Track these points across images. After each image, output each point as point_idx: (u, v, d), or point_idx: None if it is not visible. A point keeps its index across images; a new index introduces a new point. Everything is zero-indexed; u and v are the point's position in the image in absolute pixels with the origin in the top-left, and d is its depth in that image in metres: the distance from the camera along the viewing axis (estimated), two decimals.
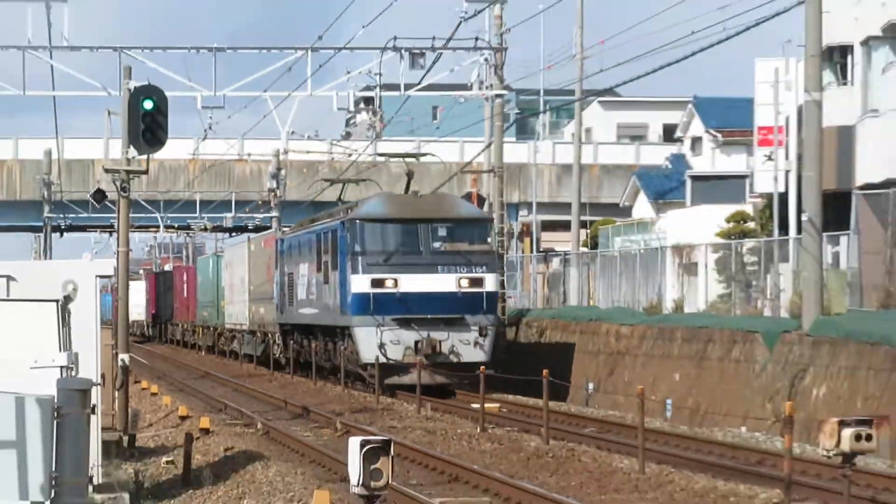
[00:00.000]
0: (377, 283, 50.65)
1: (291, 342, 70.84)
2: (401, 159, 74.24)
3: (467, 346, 50.37)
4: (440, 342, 50.42)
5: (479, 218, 55.23)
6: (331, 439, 40.07)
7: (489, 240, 52.93)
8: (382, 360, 50.62)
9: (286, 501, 29.72)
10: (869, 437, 25.31)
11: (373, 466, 19.39)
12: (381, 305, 51.27)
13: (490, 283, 50.67)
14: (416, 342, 50.01)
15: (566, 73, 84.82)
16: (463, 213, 55.57)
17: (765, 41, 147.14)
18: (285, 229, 77.68)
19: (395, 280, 51.22)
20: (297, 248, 68.67)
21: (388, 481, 19.66)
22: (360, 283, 51.22)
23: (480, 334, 51.11)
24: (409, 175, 56.92)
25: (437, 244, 51.54)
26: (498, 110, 64.90)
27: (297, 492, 30.70)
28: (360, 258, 51.95)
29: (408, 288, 50.75)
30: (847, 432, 24.76)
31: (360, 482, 19.44)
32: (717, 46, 49.40)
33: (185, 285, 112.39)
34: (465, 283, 50.52)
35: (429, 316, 50.70)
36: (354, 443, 19.70)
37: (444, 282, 50.51)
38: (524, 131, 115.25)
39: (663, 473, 32.78)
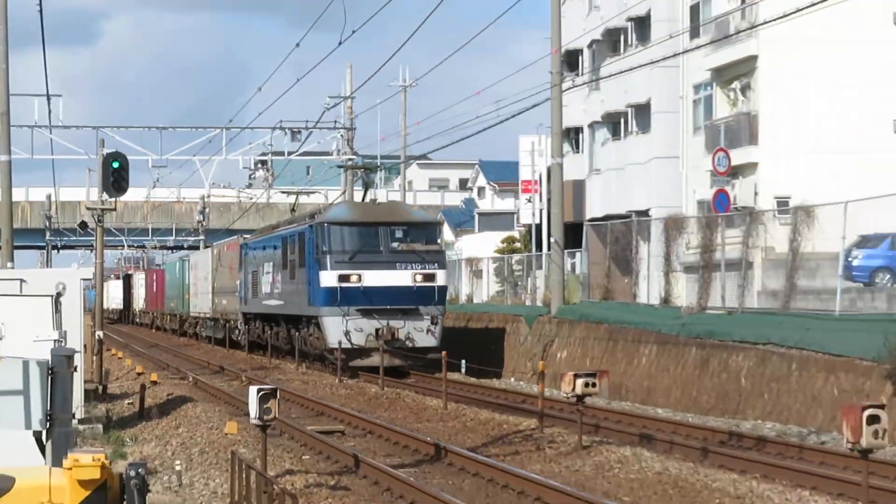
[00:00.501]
0: (343, 278, 43.70)
1: (251, 327, 61.05)
2: (292, 201, 74.53)
3: (421, 332, 43.58)
4: (398, 329, 43.51)
5: (430, 222, 47.74)
6: (238, 388, 39.89)
7: (438, 241, 46.03)
8: (347, 345, 43.35)
9: (208, 429, 29.58)
10: (594, 385, 25.71)
11: (265, 405, 19.43)
12: (346, 297, 43.97)
13: (440, 278, 44.02)
14: (377, 329, 43.11)
15: (395, 144, 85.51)
16: (416, 217, 48.14)
17: (526, 123, 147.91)
18: (247, 236, 67.10)
19: (360, 276, 44.24)
20: (261, 250, 58.62)
21: (275, 415, 19.71)
22: (328, 279, 43.99)
23: (432, 322, 44.04)
24: (367, 186, 50.03)
25: (394, 244, 44.66)
26: (349, 170, 64.64)
27: (216, 422, 30.63)
28: (327, 256, 44.58)
29: (370, 282, 43.99)
30: (580, 381, 25.04)
31: (257, 415, 19.49)
32: (495, 127, 49.78)
33: (155, 283, 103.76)
34: (419, 278, 43.97)
35: (388, 307, 43.53)
36: (252, 390, 19.75)
37: (401, 277, 43.98)
38: (368, 184, 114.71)
39: (459, 409, 32.83)
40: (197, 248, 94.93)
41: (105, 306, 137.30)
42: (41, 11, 36.83)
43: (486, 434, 27.82)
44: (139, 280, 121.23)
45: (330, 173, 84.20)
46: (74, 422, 23.93)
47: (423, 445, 25.29)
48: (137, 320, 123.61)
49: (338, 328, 43.69)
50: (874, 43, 54.45)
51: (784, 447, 24.09)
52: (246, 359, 59.00)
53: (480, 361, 48.15)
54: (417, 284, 43.89)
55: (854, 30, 52.60)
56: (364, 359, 43.82)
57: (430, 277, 43.08)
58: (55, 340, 14.54)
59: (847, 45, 53.60)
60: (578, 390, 24.89)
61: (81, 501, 8.28)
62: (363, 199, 49.86)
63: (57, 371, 10.98)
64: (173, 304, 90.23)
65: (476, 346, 51.43)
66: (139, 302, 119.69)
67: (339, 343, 43.92)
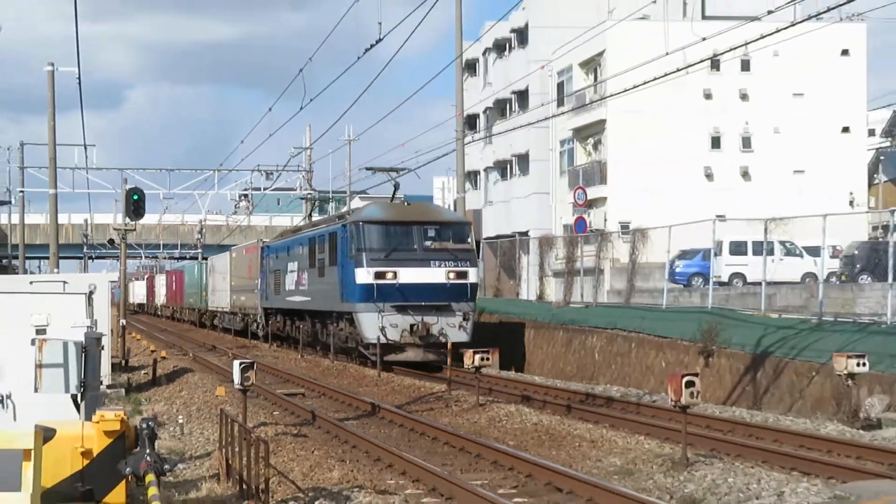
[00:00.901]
0: (379, 275, 35.62)
1: (272, 321, 51.57)
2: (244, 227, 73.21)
3: (453, 328, 35.75)
4: (431, 325, 35.74)
5: (461, 221, 38.75)
6: (227, 361, 39.47)
7: (468, 240, 37.28)
8: (383, 340, 35.58)
9: (203, 392, 29.29)
10: (488, 359, 25.66)
11: (245, 374, 19.22)
12: (382, 294, 35.82)
13: (472, 276, 35.81)
14: (412, 325, 35.58)
15: (342, 182, 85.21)
16: (447, 217, 39.26)
17: (438, 167, 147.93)
18: (265, 240, 58.47)
19: (395, 273, 36.10)
20: (283, 251, 48.62)
21: (253, 381, 19.50)
22: (364, 275, 35.74)
23: (464, 318, 35.93)
24: (396, 186, 39.64)
25: (427, 243, 36.52)
26: (308, 201, 64.21)
27: (209, 387, 30.33)
28: (363, 254, 36.22)
29: (405, 279, 35.93)
30: (477, 356, 25.00)
31: (239, 382, 19.28)
32: (416, 170, 49.38)
33: (174, 283, 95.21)
34: (452, 275, 35.90)
35: (422, 303, 35.65)
36: (236, 363, 19.52)
37: (435, 274, 35.84)
38: (323, 210, 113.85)
39: (391, 377, 32.71)
40: (196, 258, 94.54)
41: (132, 301, 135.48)
42: (80, 83, 36.35)
43: (409, 396, 27.71)
44: (160, 280, 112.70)
45: (294, 204, 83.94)
46: (103, 387, 23.60)
47: (363, 404, 25.17)
48: (159, 313, 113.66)
49: (373, 324, 35.34)
50: (691, 111, 55.05)
51: (626, 404, 24.14)
52: (232, 340, 57.63)
53: None
54: (450, 282, 35.78)
55: (676, 101, 53.11)
56: (398, 353, 35.65)
57: (463, 275, 35.60)
58: (87, 327, 14.35)
59: (671, 113, 54.13)
60: (476, 363, 24.86)
61: (106, 446, 8.30)
62: (392, 200, 39.39)
63: (88, 349, 10.90)
64: (192, 299, 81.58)
65: None
66: (160, 298, 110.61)
67: (378, 339, 35.33)
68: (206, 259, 77.03)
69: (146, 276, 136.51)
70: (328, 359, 39.34)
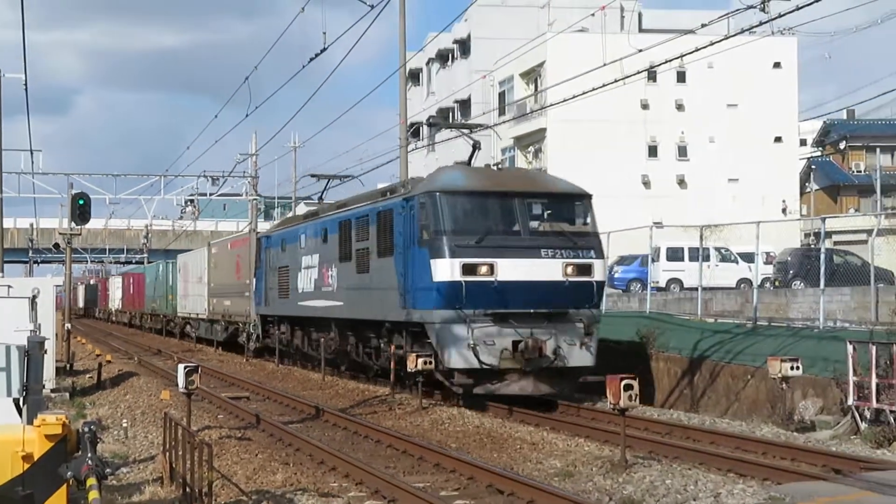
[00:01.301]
0: (469, 269, 23.57)
1: (277, 332, 38.55)
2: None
3: (573, 346, 24.25)
4: (544, 342, 23.93)
5: (579, 193, 26.10)
6: (171, 366, 39.07)
7: (589, 219, 25.53)
8: (472, 364, 23.38)
9: (148, 396, 28.93)
10: (430, 363, 25.37)
11: (190, 378, 18.98)
12: (472, 297, 23.56)
13: (598, 270, 24.69)
14: (516, 342, 23.64)
15: (288, 188, 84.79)
16: (560, 187, 26.45)
17: (382, 174, 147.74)
18: (260, 231, 45.95)
19: (491, 266, 24.02)
20: (294, 241, 35.45)
21: (197, 385, 19.27)
22: (445, 270, 23.70)
23: (586, 332, 24.54)
24: (476, 146, 27.26)
25: (534, 223, 24.85)
26: (254, 206, 63.83)
27: (153, 391, 29.97)
28: (444, 239, 23.95)
29: (506, 275, 23.93)
30: (420, 360, 24.63)
31: (184, 386, 19.03)
32: (360, 176, 49.25)
33: (132, 286, 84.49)
34: (571, 270, 24.49)
35: (530, 310, 23.84)
36: (181, 366, 19.28)
37: (548, 269, 24.11)
38: (269, 216, 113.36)
39: (335, 380, 32.52)
40: (142, 263, 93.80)
41: (81, 305, 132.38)
42: (27, 89, 35.91)
43: (353, 399, 27.52)
44: (115, 283, 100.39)
45: (240, 209, 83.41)
46: (46, 391, 23.21)
47: (307, 407, 24.97)
48: (113, 319, 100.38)
49: (460, 340, 23.27)
50: (629, 121, 55.39)
51: (566, 407, 24.12)
52: (178, 343, 56.81)
53: None
54: (570, 279, 23.99)
55: (614, 111, 53.40)
56: (497, 383, 23.44)
57: (586, 269, 24.03)
58: (31, 331, 14.10)
59: (609, 122, 54.43)
60: (419, 366, 24.68)
61: (47, 450, 8.14)
62: (469, 162, 27.16)
63: (31, 353, 10.70)
64: (155, 304, 70.90)
65: None
66: (115, 302, 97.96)
67: (464, 361, 23.12)
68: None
69: (100, 278, 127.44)
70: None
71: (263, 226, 57.88)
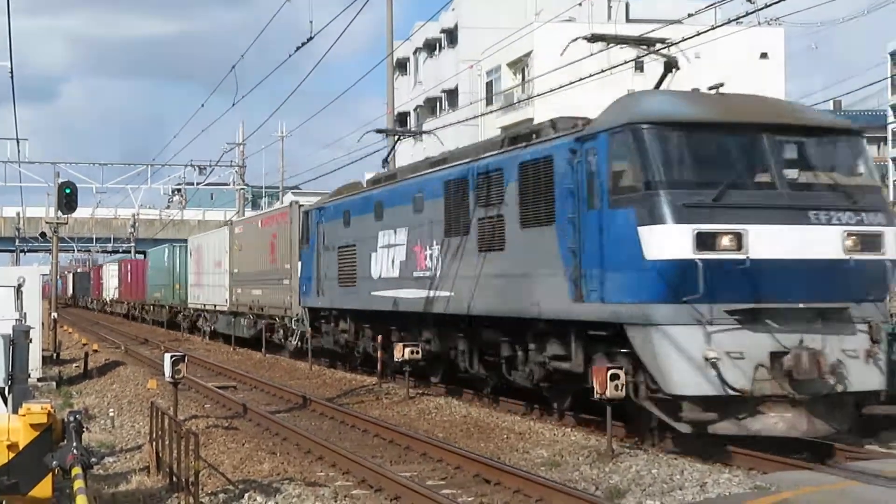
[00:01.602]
0: (704, 240, 13.53)
1: (334, 330, 30.43)
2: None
3: (855, 359, 14.23)
4: (821, 353, 13.91)
5: (850, 129, 15.65)
6: (158, 355, 38.98)
7: (865, 166, 15.13)
8: (713, 389, 13.92)
9: (135, 385, 28.87)
10: (417, 352, 25.21)
11: (176, 367, 18.92)
12: (711, 284, 13.48)
13: (892, 244, 14.24)
14: (775, 354, 13.97)
15: (275, 177, 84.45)
16: (822, 118, 16.25)
17: (370, 164, 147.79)
18: (303, 203, 36.03)
19: (739, 235, 13.85)
20: (364, 211, 26.79)
21: (183, 374, 19.21)
22: (668, 242, 13.92)
23: (873, 338, 14.37)
24: (669, 66, 17.19)
25: (790, 171, 14.45)
26: (241, 196, 63.67)
27: (140, 380, 29.92)
28: (662, 194, 14.10)
29: (761, 251, 13.78)
30: (407, 349, 24.57)
31: (170, 375, 18.98)
32: (348, 166, 49.17)
33: (131, 273, 76.45)
34: (854, 243, 14.18)
35: (799, 304, 13.92)
36: (167, 356, 19.22)
37: (821, 240, 13.94)
38: (256, 206, 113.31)
39: (322, 370, 32.48)
40: (129, 252, 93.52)
41: (70, 294, 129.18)
42: (12, 77, 35.66)
43: (340, 388, 27.51)
44: (111, 270, 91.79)
45: (227, 199, 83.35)
46: (32, 380, 23.14)
47: (294, 397, 24.94)
48: (108, 309, 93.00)
49: (690, 351, 14.55)
50: None
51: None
52: (165, 333, 56.53)
53: None
54: (854, 256, 14.86)
55: (601, 101, 53.32)
56: (748, 418, 14.77)
57: (874, 242, 14.97)
58: (16, 319, 14.04)
59: (596, 112, 54.32)
60: (406, 356, 24.63)
61: (32, 440, 8.11)
62: (658, 86, 18.28)
63: (16, 342, 10.65)
64: (159, 294, 62.30)
65: None
66: (110, 291, 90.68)
67: (698, 384, 14.56)
68: (226, 225, 49.48)
69: (92, 265, 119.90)
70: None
71: (251, 214, 57.27)
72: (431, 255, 22.71)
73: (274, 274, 37.13)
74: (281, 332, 37.24)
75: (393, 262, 25.01)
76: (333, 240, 29.61)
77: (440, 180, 22.45)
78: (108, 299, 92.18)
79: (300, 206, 34.93)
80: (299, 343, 34.70)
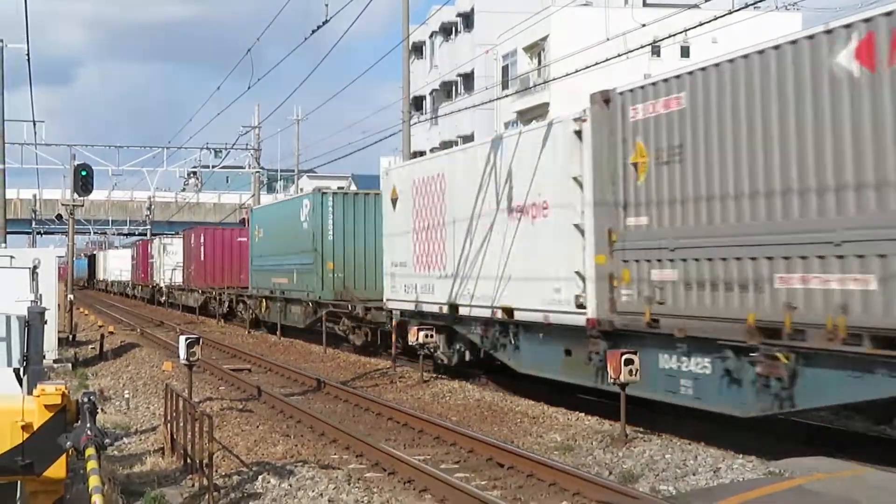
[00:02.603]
0: None
1: None
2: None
3: None
4: None
5: None
6: (174, 337, 39.12)
7: None
8: None
9: (150, 367, 29.01)
10: (432, 336, 25.26)
11: (191, 349, 18.96)
12: None
13: None
14: None
15: (291, 161, 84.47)
16: None
17: (385, 147, 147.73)
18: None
19: None
20: None
21: (198, 357, 19.26)
22: None
23: None
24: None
25: None
26: (257, 179, 63.65)
27: (156, 362, 30.06)
28: None
29: None
30: (422, 333, 24.56)
31: (185, 357, 19.03)
32: (364, 150, 49.14)
33: (207, 247, 54.77)
34: None
35: None
36: (182, 338, 19.27)
37: None
38: (272, 189, 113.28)
39: (336, 352, 32.57)
40: (145, 235, 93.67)
41: (104, 277, 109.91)
42: (29, 59, 35.74)
43: (355, 372, 27.56)
44: (173, 245, 67.13)
45: (243, 182, 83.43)
46: (48, 362, 23.26)
47: (309, 380, 25.00)
48: (164, 299, 68.40)
49: None
50: None
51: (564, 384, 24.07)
52: (180, 315, 56.47)
53: None
54: None
55: (617, 85, 53.21)
56: None
57: None
58: (31, 301, 14.07)
59: None
60: (421, 340, 24.66)
61: (47, 420, 8.13)
62: None
63: (32, 324, 10.67)
64: (285, 279, 38.83)
65: None
66: (165, 275, 67.48)
67: None
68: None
69: (136, 245, 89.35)
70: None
71: (267, 198, 56.99)
72: None
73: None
74: None
75: None
76: None
77: None
78: (162, 286, 68.68)
79: None
80: None
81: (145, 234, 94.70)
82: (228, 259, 53.87)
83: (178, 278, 63.42)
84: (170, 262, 66.43)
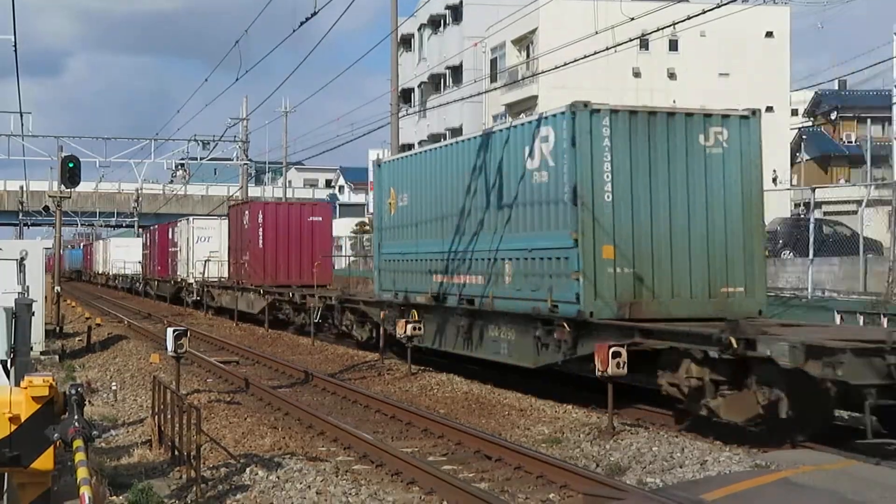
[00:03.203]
0: None
1: None
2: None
3: None
4: None
5: None
6: (161, 329, 39.03)
7: None
8: None
9: (137, 359, 28.93)
10: (419, 328, 25.24)
11: (179, 341, 18.93)
12: None
13: None
14: None
15: (279, 153, 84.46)
16: None
17: (373, 140, 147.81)
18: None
19: None
20: None
21: (186, 349, 19.22)
22: None
23: None
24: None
25: None
26: (244, 171, 63.59)
27: (143, 354, 29.99)
28: None
29: None
30: (409, 326, 24.63)
31: (172, 349, 19.00)
32: (352, 142, 49.01)
33: (261, 230, 40.59)
34: None
35: None
36: (169, 330, 19.24)
37: None
38: (260, 182, 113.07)
39: (324, 345, 32.53)
40: (132, 227, 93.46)
41: (105, 270, 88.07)
42: (16, 50, 35.58)
43: (343, 364, 27.55)
44: (200, 230, 51.57)
45: (230, 174, 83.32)
46: (35, 354, 23.22)
47: (297, 372, 24.99)
48: (193, 299, 52.26)
49: None
50: (620, 89, 55.18)
51: (555, 375, 24.11)
52: (167, 307, 56.28)
53: None
54: None
55: (606, 79, 53.22)
56: None
57: None
58: (18, 293, 14.05)
59: (600, 90, 54.18)
60: (408, 332, 24.65)
61: (34, 412, 8.11)
62: None
63: (19, 315, 10.65)
64: (461, 277, 22.58)
65: None
66: (182, 266, 53.51)
67: None
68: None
69: (149, 231, 68.99)
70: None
71: (255, 191, 56.74)
72: None
73: None
74: None
75: None
76: None
77: None
78: (192, 281, 52.06)
79: None
80: None
81: (132, 227, 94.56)
82: (297, 247, 40.45)
83: (215, 272, 48.51)
84: (202, 251, 50.25)
